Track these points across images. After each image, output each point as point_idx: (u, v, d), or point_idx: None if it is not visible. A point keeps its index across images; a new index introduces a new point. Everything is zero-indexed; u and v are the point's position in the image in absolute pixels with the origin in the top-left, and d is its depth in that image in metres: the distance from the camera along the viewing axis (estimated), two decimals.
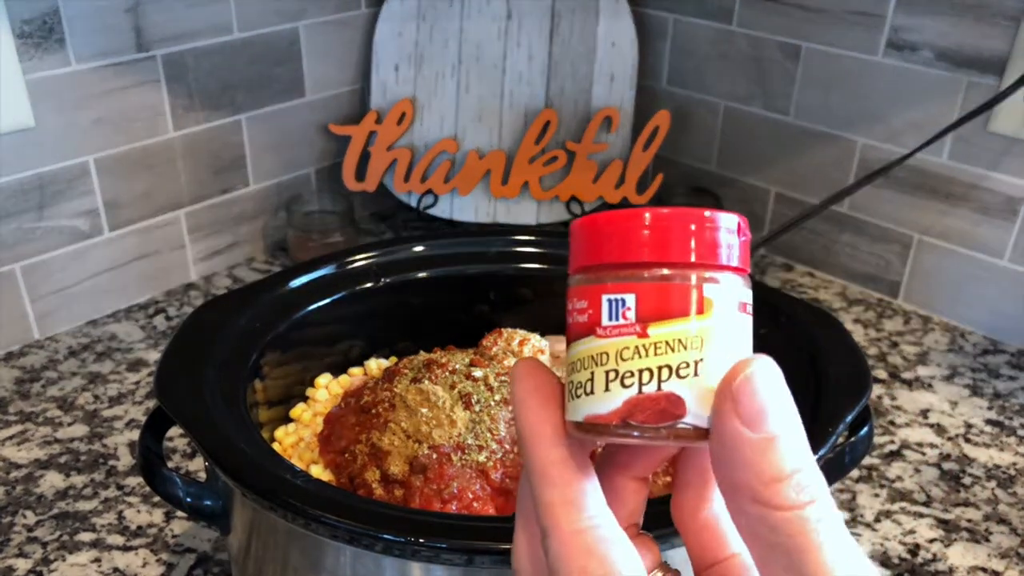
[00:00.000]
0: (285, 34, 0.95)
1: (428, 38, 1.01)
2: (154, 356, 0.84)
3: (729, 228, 0.25)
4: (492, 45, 1.02)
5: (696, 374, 0.24)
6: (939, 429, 0.76)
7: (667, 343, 0.24)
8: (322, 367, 0.65)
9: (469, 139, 1.03)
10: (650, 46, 1.06)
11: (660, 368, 0.24)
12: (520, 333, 0.64)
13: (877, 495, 0.69)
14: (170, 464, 0.67)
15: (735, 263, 0.25)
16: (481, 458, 0.52)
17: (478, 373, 0.58)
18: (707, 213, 0.25)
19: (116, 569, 0.61)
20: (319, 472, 0.56)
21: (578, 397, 0.25)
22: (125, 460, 0.71)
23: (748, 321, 0.25)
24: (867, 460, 0.72)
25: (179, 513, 0.65)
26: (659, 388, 0.24)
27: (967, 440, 0.75)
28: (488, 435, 0.53)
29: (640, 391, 0.24)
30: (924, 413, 0.78)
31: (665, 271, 0.24)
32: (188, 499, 0.51)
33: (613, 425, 0.25)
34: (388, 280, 0.65)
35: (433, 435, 0.53)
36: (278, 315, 0.60)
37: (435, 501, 0.50)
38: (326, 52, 0.99)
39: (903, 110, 0.89)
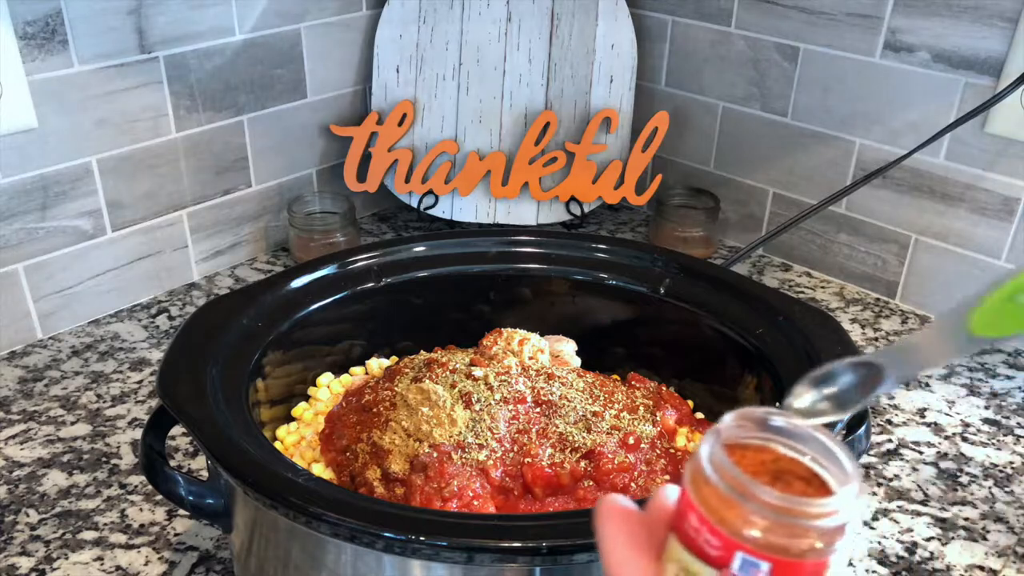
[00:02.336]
0: (287, 36, 0.95)
1: (429, 40, 1.01)
2: (157, 355, 0.84)
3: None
4: (492, 47, 1.02)
5: None
6: (936, 428, 0.77)
7: None
8: (323, 366, 0.66)
9: (469, 140, 1.04)
10: (649, 47, 1.07)
11: None
12: (520, 333, 0.64)
13: (875, 493, 0.69)
14: (172, 463, 0.68)
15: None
16: (481, 457, 0.52)
17: (478, 372, 0.58)
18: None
19: (118, 567, 0.61)
20: (320, 471, 0.57)
21: None
22: (128, 459, 0.71)
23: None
24: (865, 459, 0.73)
25: (181, 512, 0.65)
26: None
27: (964, 439, 0.75)
28: (488, 434, 0.54)
29: None
30: (921, 412, 0.79)
31: (811, 545, 0.25)
32: (190, 498, 0.51)
33: None
34: (389, 280, 0.66)
35: (434, 434, 0.53)
36: (280, 315, 0.61)
37: (436, 499, 0.50)
38: (328, 54, 1.00)
39: (900, 111, 0.89)
